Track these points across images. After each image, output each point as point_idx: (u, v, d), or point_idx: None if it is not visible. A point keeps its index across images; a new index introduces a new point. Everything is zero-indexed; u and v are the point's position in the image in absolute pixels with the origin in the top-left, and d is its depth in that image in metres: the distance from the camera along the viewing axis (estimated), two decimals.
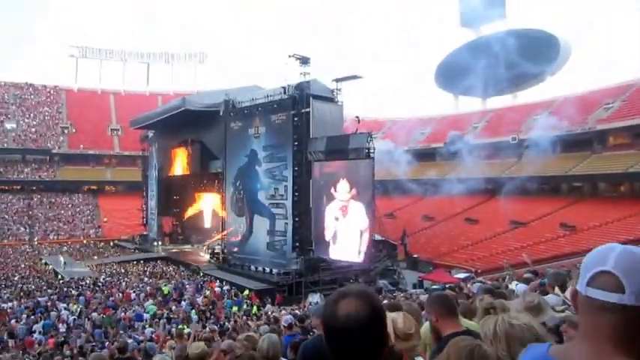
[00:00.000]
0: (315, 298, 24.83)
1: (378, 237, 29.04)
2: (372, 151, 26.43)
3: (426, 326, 3.50)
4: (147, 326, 17.28)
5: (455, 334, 2.86)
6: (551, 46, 51.80)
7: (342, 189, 26.97)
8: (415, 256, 36.30)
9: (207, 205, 43.44)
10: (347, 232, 26.92)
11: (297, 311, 16.09)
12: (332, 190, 27.58)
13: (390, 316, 3.27)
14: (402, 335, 3.05)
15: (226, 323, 16.50)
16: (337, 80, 30.87)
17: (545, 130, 39.89)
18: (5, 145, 60.96)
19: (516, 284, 7.90)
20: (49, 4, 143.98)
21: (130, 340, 12.58)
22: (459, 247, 37.19)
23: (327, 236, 28.13)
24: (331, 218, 27.80)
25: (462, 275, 28.37)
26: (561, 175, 41.05)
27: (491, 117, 53.45)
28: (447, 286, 17.26)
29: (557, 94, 49.06)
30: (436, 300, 3.21)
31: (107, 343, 14.46)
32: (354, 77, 31.47)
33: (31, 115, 67.28)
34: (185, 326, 15.09)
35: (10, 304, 21.62)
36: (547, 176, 42.42)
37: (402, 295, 18.91)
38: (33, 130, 64.78)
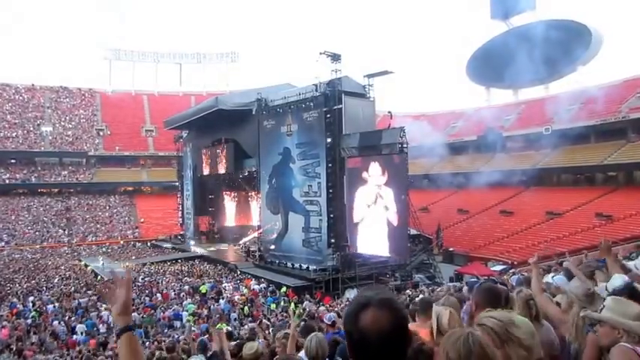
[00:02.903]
0: (352, 294, 24.97)
1: (413, 231, 28.96)
2: (405, 146, 26.40)
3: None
4: (192, 324, 17.60)
5: None
6: (582, 36, 50.81)
7: (374, 171, 27.04)
8: (451, 249, 36.19)
9: (241, 203, 43.94)
10: (376, 223, 26.95)
11: (336, 309, 16.25)
12: (364, 173, 27.58)
13: (437, 310, 3.36)
14: (445, 332, 3.06)
15: (264, 320, 16.67)
16: (368, 76, 30.81)
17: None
18: (42, 148, 62.34)
19: (552, 276, 7.85)
20: (82, 9, 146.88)
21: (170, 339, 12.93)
22: (494, 240, 36.98)
23: (356, 220, 28.25)
24: (362, 204, 27.87)
25: (498, 267, 28.28)
26: (596, 164, 40.48)
27: (523, 109, 52.95)
28: (483, 279, 17.22)
29: (590, 83, 48.33)
30: (482, 291, 3.23)
31: (148, 342, 14.72)
32: (385, 73, 31.32)
33: (67, 118, 68.93)
34: (223, 325, 15.32)
35: (51, 306, 22.02)
36: (582, 166, 42.04)
37: (439, 289, 18.92)
38: (69, 133, 66.29)
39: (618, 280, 4.37)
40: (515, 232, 37.13)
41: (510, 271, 23.23)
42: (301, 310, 20.84)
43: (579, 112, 44.22)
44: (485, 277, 17.38)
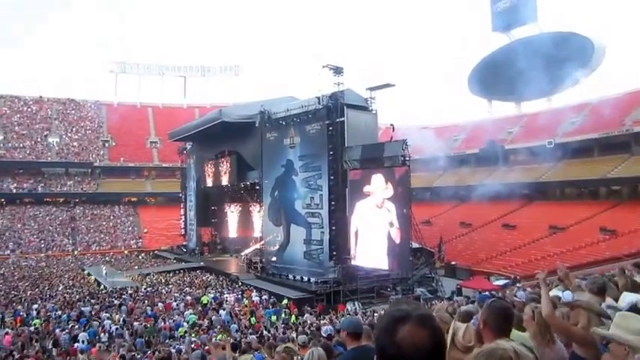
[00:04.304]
0: (353, 307, 24.93)
1: (415, 244, 28.91)
2: (407, 158, 26.44)
3: None
4: (192, 335, 17.56)
5: None
6: (584, 48, 50.79)
7: (377, 183, 26.89)
8: (453, 263, 36.04)
9: (244, 215, 43.97)
10: (377, 237, 26.86)
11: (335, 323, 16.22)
12: (365, 186, 27.49)
13: (456, 325, 3.37)
14: (460, 347, 3.09)
15: (265, 332, 16.66)
16: (371, 89, 30.94)
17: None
18: (49, 158, 63.03)
19: (562, 290, 7.73)
20: (89, 22, 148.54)
21: (173, 350, 12.95)
22: (497, 254, 36.77)
23: (353, 237, 28.20)
24: (362, 217, 27.80)
25: (501, 282, 28.13)
26: (599, 178, 40.25)
27: (526, 121, 52.89)
28: (489, 293, 17.16)
29: (592, 96, 48.30)
30: (493, 310, 3.04)
31: (148, 352, 14.72)
32: (387, 85, 31.44)
33: (73, 129, 69.68)
34: (223, 336, 15.31)
35: (54, 314, 22.06)
36: (585, 180, 41.76)
37: (440, 304, 18.87)
38: (75, 144, 66.95)
39: (631, 296, 4.32)
40: (518, 247, 36.94)
41: (517, 285, 23.19)
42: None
43: (582, 125, 44.23)
44: (490, 293, 17.38)
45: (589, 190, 43.24)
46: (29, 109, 70.31)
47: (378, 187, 26.81)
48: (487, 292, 18.60)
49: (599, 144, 42.29)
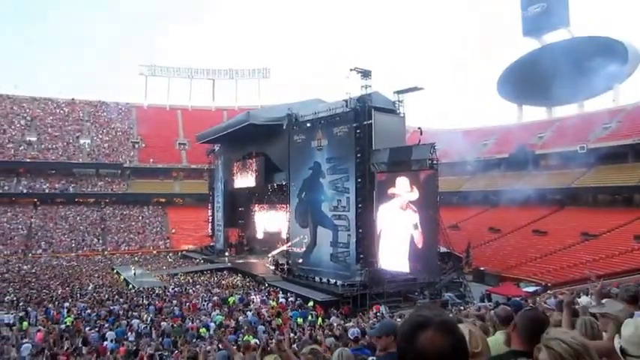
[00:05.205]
0: (374, 312, 24.67)
1: (443, 249, 28.55)
2: (435, 162, 26.13)
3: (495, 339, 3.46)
4: (219, 335, 17.58)
5: (515, 351, 2.87)
6: (618, 53, 49.52)
7: (402, 186, 26.58)
8: (482, 268, 35.44)
9: (271, 217, 44.07)
10: (399, 240, 26.57)
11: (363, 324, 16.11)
12: (391, 189, 27.20)
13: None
14: None
15: (291, 334, 16.60)
16: (398, 92, 30.75)
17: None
18: (80, 159, 64.47)
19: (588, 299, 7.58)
20: (120, 27, 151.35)
21: (199, 350, 12.95)
22: (527, 260, 36.05)
23: (379, 236, 27.91)
24: (387, 220, 27.52)
25: (531, 289, 27.62)
26: (634, 185, 39.20)
27: (557, 126, 51.84)
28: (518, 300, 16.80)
29: (626, 101, 47.22)
30: (525, 319, 3.02)
31: (176, 352, 14.80)
32: (416, 89, 31.17)
33: (104, 131, 71.19)
34: (250, 337, 15.30)
35: (84, 313, 22.46)
36: (619, 186, 40.83)
37: (470, 308, 18.60)
38: (106, 145, 68.38)
39: None
40: (549, 253, 36.11)
41: (547, 292, 22.71)
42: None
43: (616, 130, 43.24)
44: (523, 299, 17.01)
45: (623, 197, 42.13)
46: (62, 112, 72.27)
47: (403, 189, 26.54)
48: (518, 299, 18.25)
49: (634, 150, 41.21)
